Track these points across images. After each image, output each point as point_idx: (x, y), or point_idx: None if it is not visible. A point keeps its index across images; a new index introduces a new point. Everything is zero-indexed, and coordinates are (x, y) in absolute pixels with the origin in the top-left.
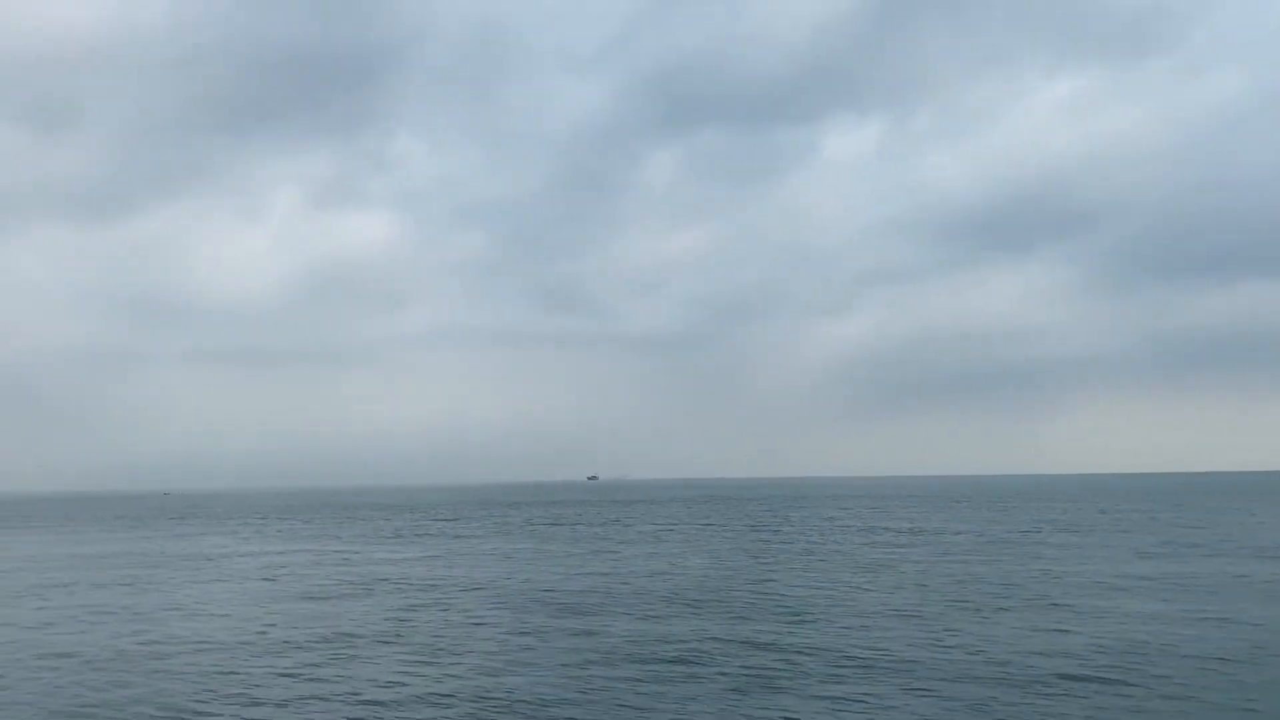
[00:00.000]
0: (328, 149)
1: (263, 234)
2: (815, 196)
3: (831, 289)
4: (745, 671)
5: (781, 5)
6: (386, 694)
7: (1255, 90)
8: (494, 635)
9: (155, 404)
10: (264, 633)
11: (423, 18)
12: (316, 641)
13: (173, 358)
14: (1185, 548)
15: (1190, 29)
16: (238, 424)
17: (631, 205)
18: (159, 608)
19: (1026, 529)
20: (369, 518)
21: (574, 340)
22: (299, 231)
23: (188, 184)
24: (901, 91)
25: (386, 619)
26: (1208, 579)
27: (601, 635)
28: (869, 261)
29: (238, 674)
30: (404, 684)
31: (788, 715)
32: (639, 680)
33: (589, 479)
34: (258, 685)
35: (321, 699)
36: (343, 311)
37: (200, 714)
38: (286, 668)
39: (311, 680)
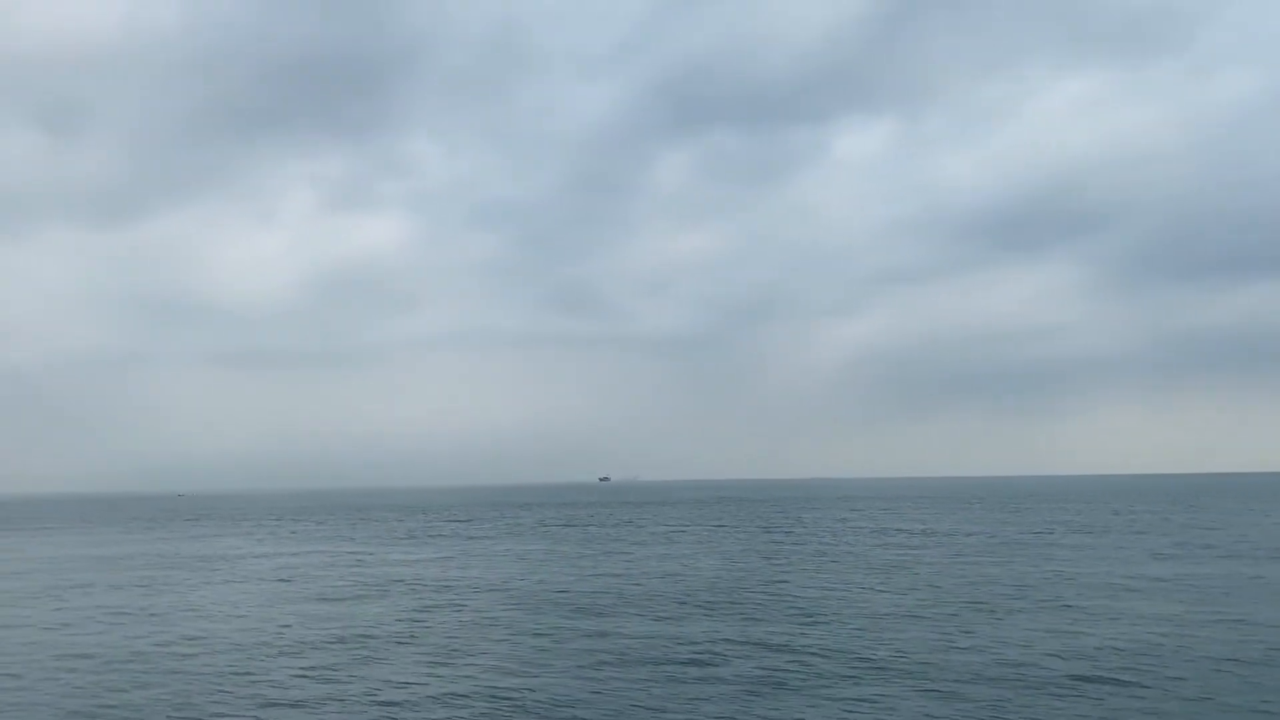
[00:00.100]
0: (341, 152)
1: (276, 237)
2: (826, 197)
3: (842, 289)
4: (758, 673)
5: (792, 7)
6: (402, 694)
7: (1266, 90)
8: (508, 636)
9: (169, 406)
10: (280, 634)
11: (436, 21)
12: (332, 642)
13: (186, 360)
14: (1199, 549)
15: (1200, 29)
16: (251, 426)
17: (643, 206)
18: (175, 609)
19: (1039, 530)
20: (382, 519)
21: (586, 341)
22: (312, 234)
23: (201, 187)
24: (912, 92)
25: (401, 620)
26: (1222, 581)
27: (615, 636)
28: (879, 262)
29: (254, 675)
30: (419, 684)
31: (801, 717)
32: (652, 681)
33: (601, 480)
34: (274, 686)
35: (337, 700)
36: (355, 314)
37: (217, 715)
38: (302, 668)
39: (327, 681)
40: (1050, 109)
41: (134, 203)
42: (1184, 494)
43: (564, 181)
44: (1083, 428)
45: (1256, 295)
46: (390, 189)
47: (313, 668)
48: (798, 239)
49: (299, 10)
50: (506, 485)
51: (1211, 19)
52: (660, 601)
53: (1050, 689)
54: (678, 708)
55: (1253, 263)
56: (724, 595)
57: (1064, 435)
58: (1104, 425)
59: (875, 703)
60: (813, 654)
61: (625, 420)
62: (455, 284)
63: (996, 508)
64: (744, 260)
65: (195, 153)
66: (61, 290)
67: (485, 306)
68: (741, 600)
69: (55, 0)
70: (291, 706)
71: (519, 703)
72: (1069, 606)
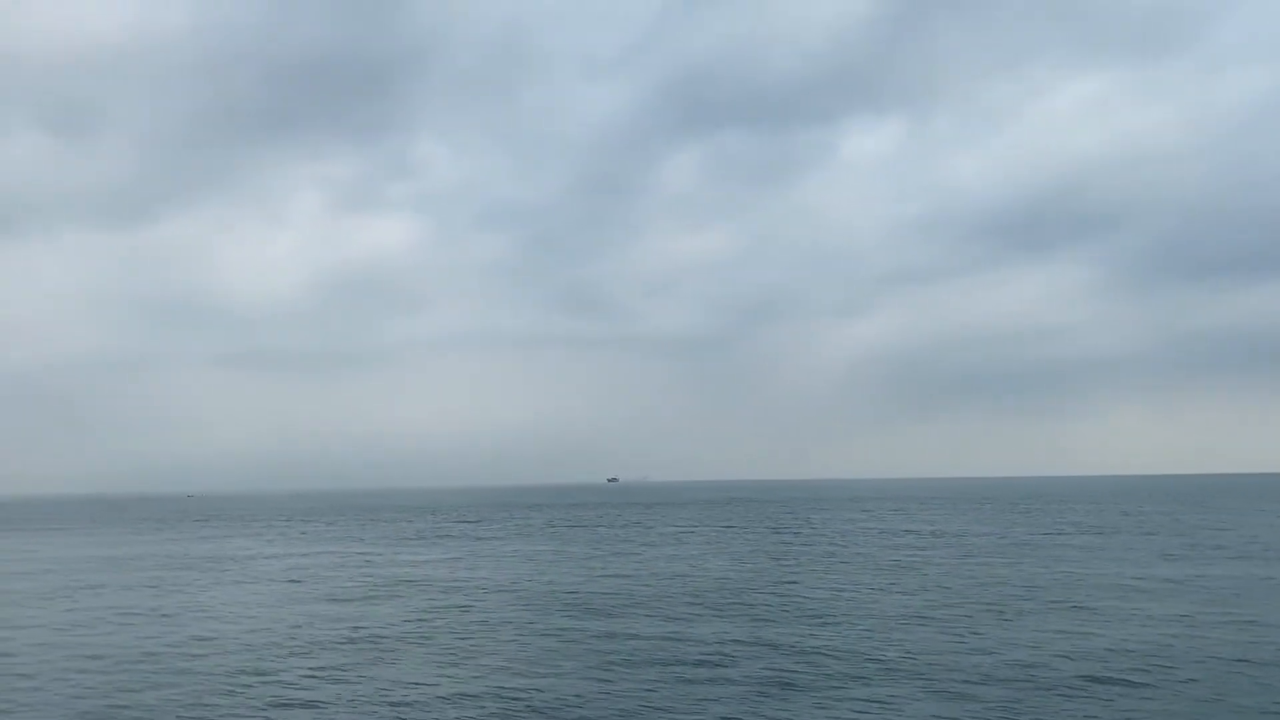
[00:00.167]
0: (350, 154)
1: (285, 238)
2: (833, 198)
3: (850, 290)
4: (767, 674)
5: (798, 8)
6: (413, 695)
7: (1274, 89)
8: (517, 636)
9: (178, 407)
10: (290, 634)
11: (444, 23)
12: (342, 643)
13: (195, 361)
14: (1210, 550)
15: (1210, 28)
16: (259, 426)
17: (650, 207)
18: (185, 609)
19: (1049, 531)
20: (391, 519)
21: (594, 342)
22: (321, 236)
23: (211, 189)
24: (920, 92)
25: (411, 620)
26: (1233, 582)
27: (624, 637)
28: (887, 262)
29: (265, 675)
30: (430, 685)
31: (810, 718)
32: (662, 682)
33: (609, 481)
34: (285, 686)
35: (348, 700)
36: (364, 315)
37: (229, 715)
38: (313, 669)
39: (338, 681)
40: (1058, 109)
41: (142, 204)
42: (1193, 494)
43: (571, 183)
44: (1091, 428)
45: (1265, 295)
46: (397, 190)
47: (323, 668)
48: (805, 239)
49: (306, 12)
50: (515, 486)
51: (1219, 18)
52: (669, 602)
53: (1061, 690)
54: (687, 708)
55: (1261, 262)
56: (733, 596)
57: (1072, 436)
58: (1113, 426)
59: (885, 704)
60: (822, 655)
61: (633, 421)
62: (463, 285)
63: (1005, 508)
64: (751, 261)
65: (203, 154)
66: (70, 291)
67: (492, 307)
68: (751, 601)
69: (64, 3)
70: (303, 707)
71: (529, 703)
72: (1079, 608)
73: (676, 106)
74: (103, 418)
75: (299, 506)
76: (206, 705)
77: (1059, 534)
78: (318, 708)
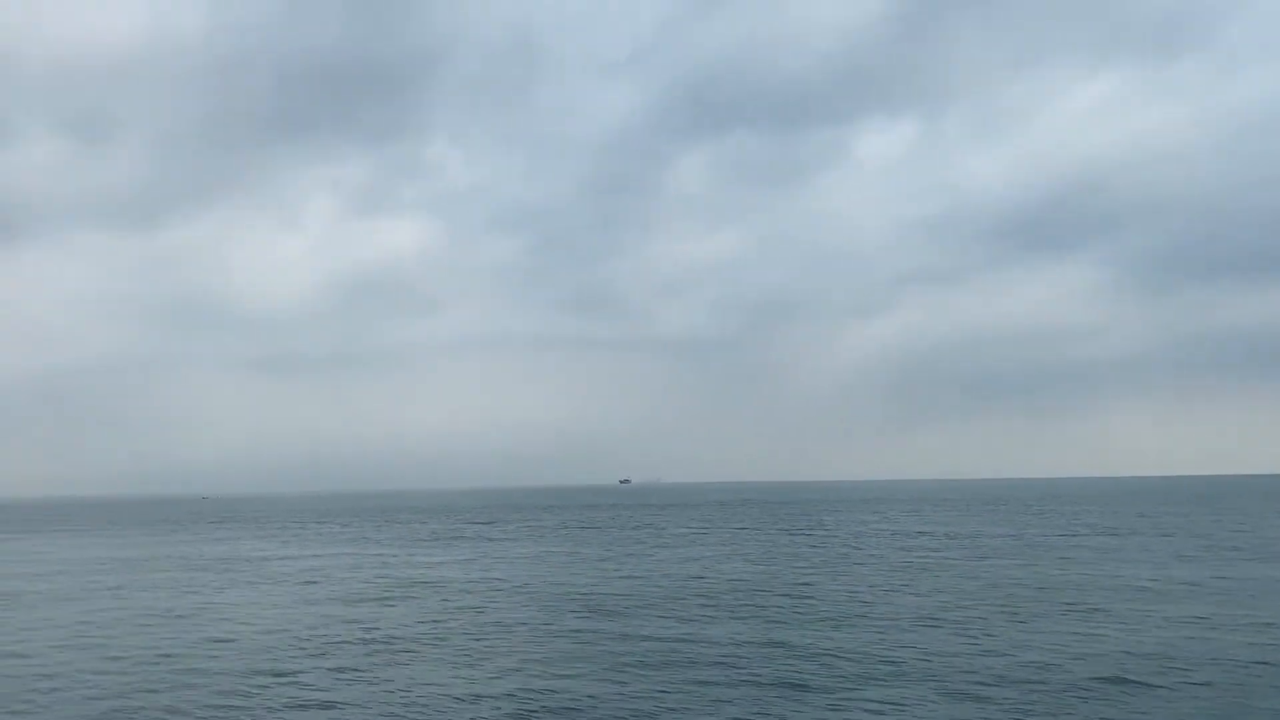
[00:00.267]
0: (363, 156)
1: (299, 241)
2: (846, 198)
3: (864, 291)
4: (781, 675)
5: (811, 7)
6: (428, 695)
7: None
8: (531, 637)
9: (193, 409)
10: (306, 635)
11: (456, 25)
12: (358, 644)
13: (210, 364)
14: (1227, 551)
15: (1223, 27)
16: (274, 429)
17: (662, 209)
18: (201, 610)
19: (1064, 532)
20: (405, 521)
21: (606, 344)
22: (335, 238)
23: (225, 192)
24: (933, 92)
25: (426, 621)
26: (1250, 583)
27: (638, 638)
28: (901, 263)
29: (282, 676)
30: (445, 685)
31: (823, 719)
32: (674, 682)
33: (621, 482)
34: (302, 687)
35: (364, 701)
36: (378, 317)
37: (246, 716)
38: (330, 669)
39: (355, 682)
40: (1073, 109)
41: (157, 208)
42: (1209, 496)
43: (582, 184)
44: (1105, 429)
45: (1279, 296)
46: (411, 193)
47: (340, 669)
48: (818, 241)
49: (319, 16)
50: (527, 487)
51: (1235, 17)
52: (683, 604)
53: (1076, 692)
54: (701, 709)
55: (1275, 263)
56: (746, 598)
57: (1086, 437)
58: (1127, 426)
59: (898, 705)
60: (835, 656)
61: (645, 422)
62: (476, 287)
63: (1019, 510)
64: (764, 262)
65: (219, 159)
66: (85, 295)
67: (504, 309)
68: (764, 603)
69: (79, 10)
70: (320, 708)
71: (544, 704)
72: (1094, 609)
73: (687, 107)
74: (117, 420)
75: (313, 508)
76: (224, 706)
77: (1073, 535)
78: (335, 709)
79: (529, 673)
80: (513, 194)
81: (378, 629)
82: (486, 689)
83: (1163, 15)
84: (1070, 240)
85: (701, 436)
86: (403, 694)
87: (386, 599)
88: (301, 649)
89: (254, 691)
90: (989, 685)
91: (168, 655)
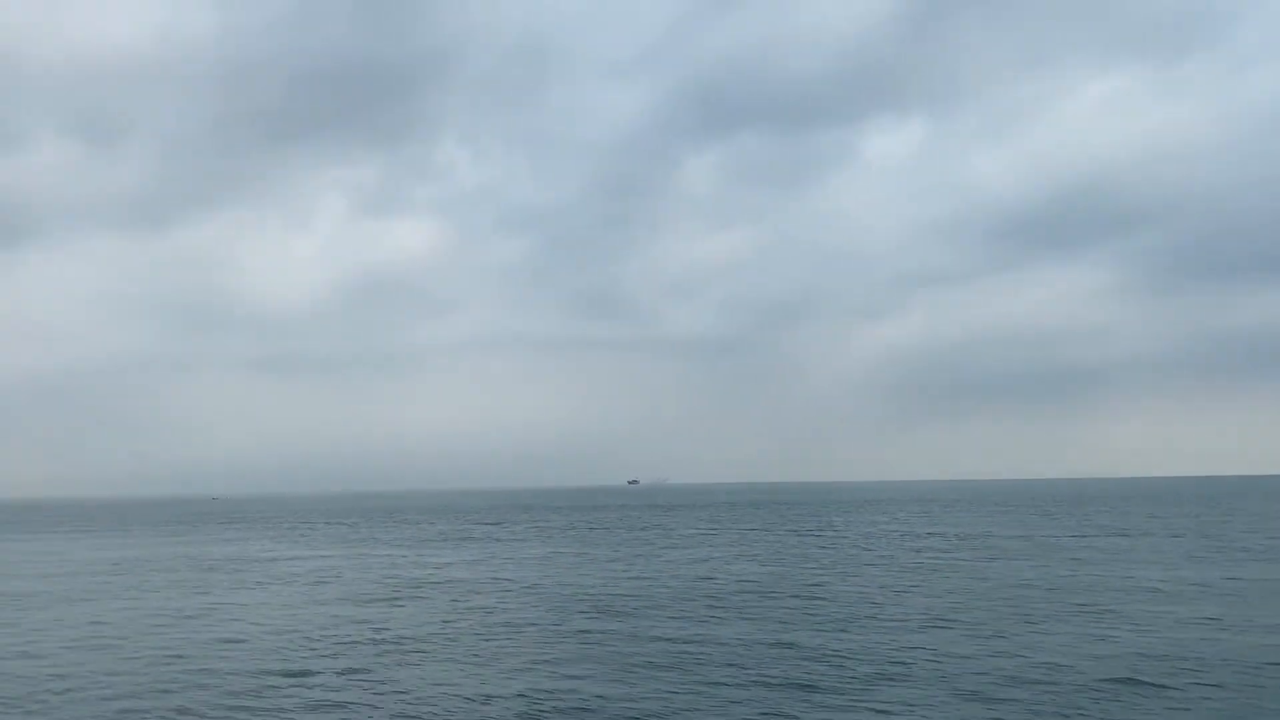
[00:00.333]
0: (373, 158)
1: (309, 243)
2: (855, 199)
3: (873, 292)
4: (790, 676)
5: (820, 8)
6: (437, 695)
7: None
8: (540, 638)
9: (203, 410)
10: (317, 635)
11: (465, 27)
12: (368, 644)
13: (220, 364)
14: (1237, 552)
15: (1235, 26)
16: (284, 429)
17: (671, 209)
18: (212, 611)
19: (1075, 533)
20: (413, 522)
21: (615, 345)
22: (345, 240)
23: (236, 194)
24: (943, 91)
25: (435, 622)
26: (1261, 584)
27: (646, 638)
28: (911, 264)
29: (293, 676)
30: (453, 685)
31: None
32: (683, 683)
33: (630, 483)
34: (313, 688)
35: (373, 702)
36: (387, 318)
37: (258, 716)
38: (341, 670)
39: (365, 682)
40: (1083, 108)
41: (168, 210)
42: (1219, 497)
43: (591, 185)
44: (1119, 430)
45: None
46: (421, 194)
47: (351, 669)
48: (827, 241)
49: (330, 18)
50: (536, 488)
51: (1243, 17)
52: (692, 605)
53: (1087, 693)
54: (710, 709)
55: None
56: (756, 599)
57: (1100, 438)
58: (1140, 427)
59: (909, 706)
60: (846, 657)
61: (654, 423)
62: (485, 288)
63: (1031, 511)
64: (773, 263)
65: (230, 160)
66: (99, 296)
67: (513, 310)
68: (773, 604)
69: (91, 12)
70: (332, 708)
71: (554, 704)
72: (1105, 610)
73: (696, 108)
74: (127, 421)
75: (323, 509)
76: (235, 707)
77: (1084, 536)
78: (346, 709)
79: (538, 673)
80: (521, 194)
81: (388, 629)
82: (496, 689)
83: (1171, 15)
84: (1080, 240)
85: (709, 437)
86: (413, 694)
87: (396, 599)
88: (312, 649)
89: (265, 692)
90: (1000, 686)
91: (179, 655)
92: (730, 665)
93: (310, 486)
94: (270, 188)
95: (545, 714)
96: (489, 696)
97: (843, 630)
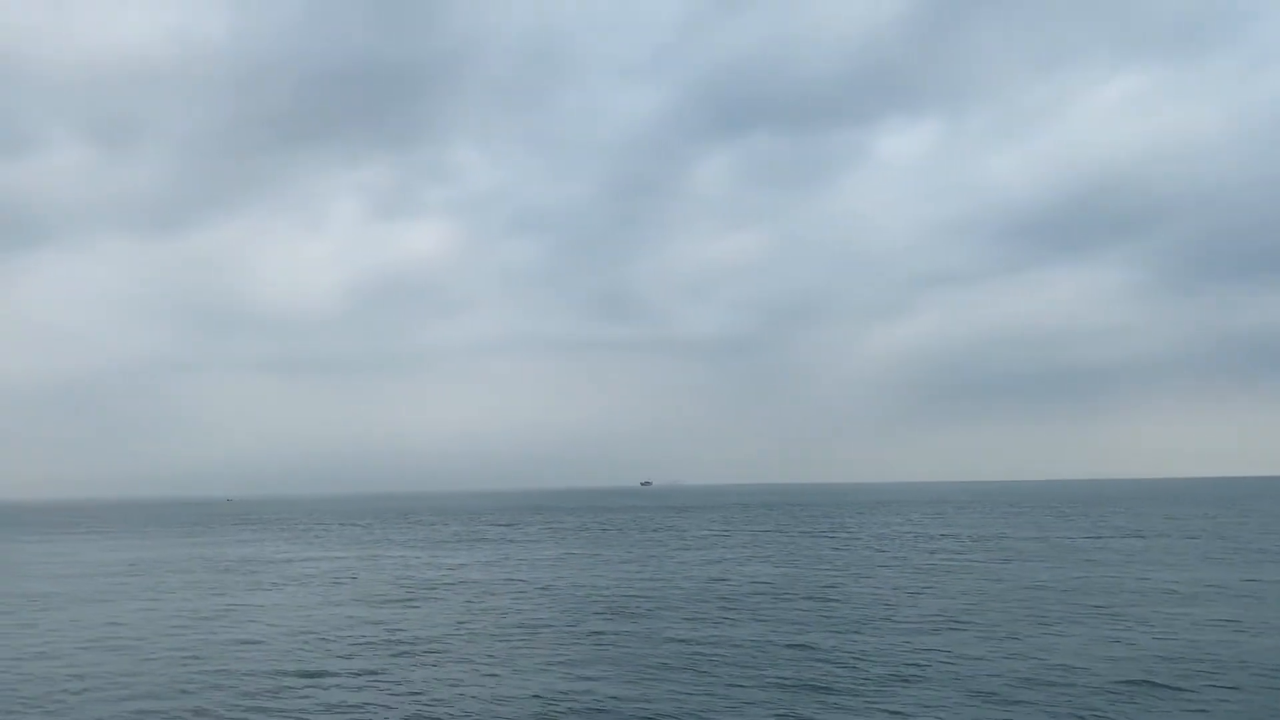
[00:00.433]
0: (386, 160)
1: (323, 245)
2: (868, 199)
3: (886, 292)
4: (805, 677)
5: (834, 8)
6: (451, 695)
7: None
8: (554, 639)
9: (218, 412)
10: (332, 637)
11: (478, 29)
12: (383, 645)
13: (235, 366)
14: (1254, 554)
15: (1251, 25)
16: (297, 431)
17: (684, 210)
18: (227, 612)
19: (1090, 535)
20: (428, 523)
21: (627, 346)
22: (358, 242)
23: (250, 197)
24: (957, 92)
25: (449, 623)
26: (1278, 586)
27: (660, 640)
28: (923, 264)
29: (307, 677)
30: (468, 686)
31: None
32: (698, 684)
33: (643, 484)
34: (329, 689)
35: (389, 703)
36: (400, 320)
37: (275, 716)
38: (356, 671)
39: (381, 684)
40: (1097, 108)
41: (183, 212)
42: (1237, 498)
43: (604, 186)
44: (1135, 430)
45: None
46: (434, 196)
47: (366, 670)
48: (839, 242)
49: (343, 22)
50: (549, 489)
51: (1260, 16)
52: (706, 606)
53: (1103, 695)
54: (724, 711)
55: None
56: (770, 600)
57: (1112, 438)
58: (1156, 428)
59: (924, 707)
60: (860, 658)
61: (667, 424)
62: (498, 289)
63: (1046, 512)
64: (786, 263)
65: (243, 162)
66: (115, 299)
67: (526, 311)
68: (787, 605)
69: (107, 18)
70: (347, 709)
71: (568, 705)
72: (1121, 612)
73: (709, 109)
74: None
75: (336, 510)
76: (252, 707)
77: (1099, 537)
78: (361, 710)
79: (553, 674)
80: (534, 196)
81: (402, 630)
82: (511, 690)
83: (1189, 14)
84: (1097, 240)
85: (723, 438)
86: (428, 695)
87: (410, 601)
88: (327, 650)
89: (281, 693)
90: (1015, 688)
91: (196, 656)
92: (744, 667)
93: (324, 488)
94: (283, 190)
95: (560, 715)
96: (504, 698)
97: (857, 632)
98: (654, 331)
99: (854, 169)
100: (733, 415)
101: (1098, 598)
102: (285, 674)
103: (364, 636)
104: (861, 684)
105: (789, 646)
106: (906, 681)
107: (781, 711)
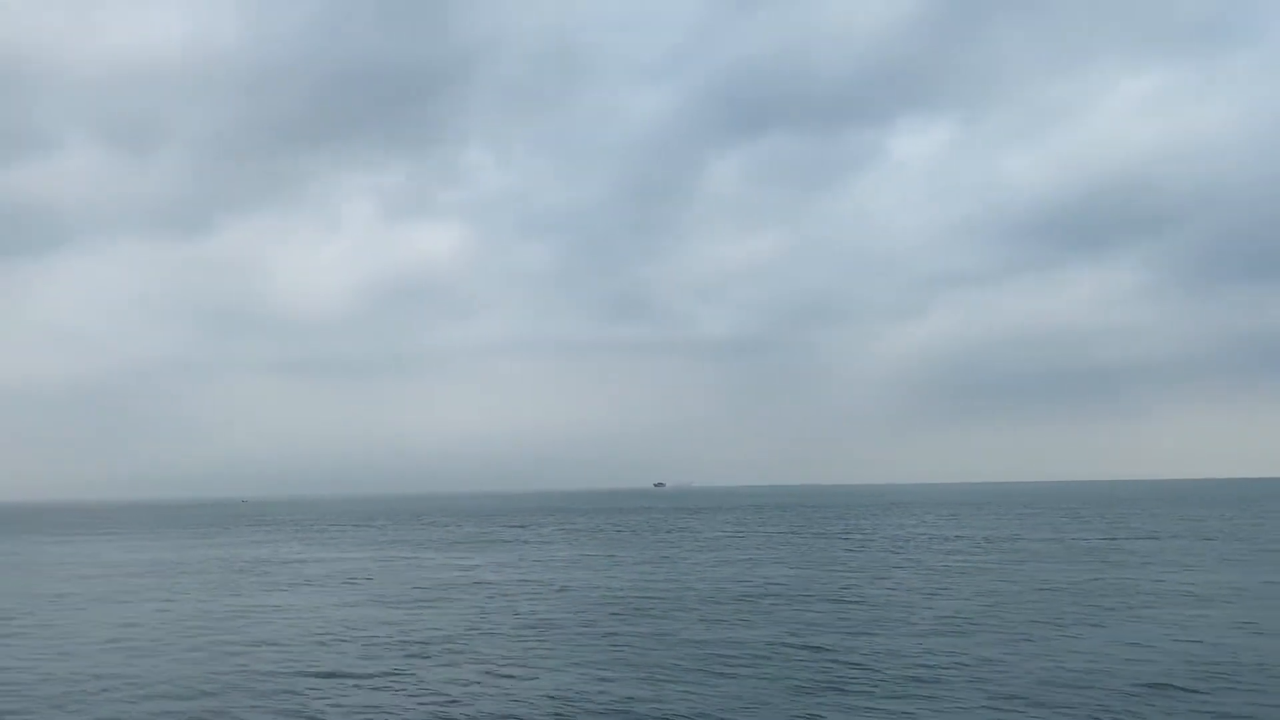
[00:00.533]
0: (400, 162)
1: (338, 247)
2: (884, 199)
3: (901, 293)
4: (819, 679)
5: (850, 7)
6: (466, 696)
7: None
8: (568, 640)
9: (233, 413)
10: (347, 637)
11: (492, 30)
12: (398, 645)
13: (250, 368)
14: (1272, 556)
15: (1272, 22)
16: (312, 432)
17: (698, 211)
18: (242, 612)
19: (1105, 536)
20: (441, 524)
21: (641, 347)
22: (373, 244)
23: (265, 199)
24: (973, 91)
25: (462, 623)
26: None
27: (674, 641)
28: (939, 264)
29: (323, 677)
30: (482, 687)
31: None
32: (712, 685)
33: (656, 486)
34: (344, 689)
35: (405, 703)
36: (414, 321)
37: (288, 717)
38: (370, 671)
39: (394, 683)
40: (1117, 107)
41: (199, 215)
42: (1255, 499)
43: (618, 188)
44: (1151, 431)
45: None
46: (448, 198)
47: (381, 671)
48: (855, 242)
49: (358, 24)
50: (562, 491)
51: None
52: (719, 607)
53: (1119, 697)
54: (739, 712)
55: None
56: (784, 601)
57: (1128, 439)
58: (1170, 429)
59: (939, 709)
60: (874, 660)
61: (680, 426)
62: (512, 290)
63: (1061, 513)
64: (800, 264)
65: (258, 165)
66: (130, 301)
67: (540, 313)
68: (801, 606)
69: (122, 19)
70: (363, 709)
71: (582, 706)
72: (1136, 615)
73: (723, 109)
74: (159, 424)
75: (350, 511)
76: (268, 708)
77: (1114, 539)
78: (377, 710)
79: (568, 675)
80: (548, 198)
81: (417, 631)
82: (525, 691)
83: (1209, 11)
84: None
85: (736, 440)
86: (443, 695)
87: (425, 601)
88: (345, 651)
89: (298, 693)
90: (1031, 690)
91: (212, 656)
92: (759, 668)
93: (338, 489)
94: (299, 192)
95: (575, 715)
96: (520, 698)
97: (872, 634)
98: (667, 333)
99: (869, 169)
100: (746, 417)
101: (1113, 599)
102: (303, 674)
103: (380, 637)
104: (877, 686)
105: (804, 648)
106: (922, 683)
107: (797, 713)
